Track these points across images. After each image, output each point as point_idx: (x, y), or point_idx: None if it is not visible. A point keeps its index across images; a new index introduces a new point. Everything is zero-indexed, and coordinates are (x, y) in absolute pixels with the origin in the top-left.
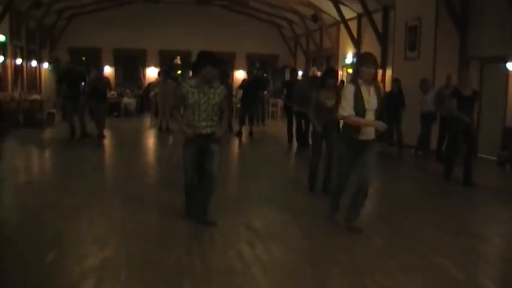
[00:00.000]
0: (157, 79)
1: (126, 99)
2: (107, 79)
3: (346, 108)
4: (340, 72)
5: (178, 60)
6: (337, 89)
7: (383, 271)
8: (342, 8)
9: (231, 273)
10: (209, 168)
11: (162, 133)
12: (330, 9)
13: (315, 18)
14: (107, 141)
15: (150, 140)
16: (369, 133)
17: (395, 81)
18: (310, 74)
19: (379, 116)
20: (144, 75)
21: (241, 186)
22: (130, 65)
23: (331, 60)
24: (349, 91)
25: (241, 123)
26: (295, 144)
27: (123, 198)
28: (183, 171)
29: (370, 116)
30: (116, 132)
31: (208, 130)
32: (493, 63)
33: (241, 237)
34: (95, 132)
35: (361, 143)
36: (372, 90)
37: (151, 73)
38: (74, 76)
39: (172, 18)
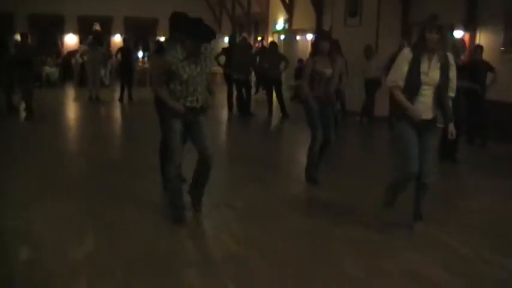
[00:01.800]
0: (83, 46)
1: (47, 68)
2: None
3: (392, 77)
4: (270, 39)
5: (97, 27)
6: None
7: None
8: None
9: (232, 259)
10: (204, 144)
11: (93, 104)
12: None
13: None
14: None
15: (84, 112)
16: (425, 111)
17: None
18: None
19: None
20: (62, 43)
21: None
22: (47, 32)
23: (260, 26)
24: (403, 57)
25: None
26: (236, 112)
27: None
28: (170, 152)
29: (427, 91)
30: (43, 105)
31: (200, 103)
32: None
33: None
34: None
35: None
36: (435, 61)
37: (70, 40)
38: None
39: None
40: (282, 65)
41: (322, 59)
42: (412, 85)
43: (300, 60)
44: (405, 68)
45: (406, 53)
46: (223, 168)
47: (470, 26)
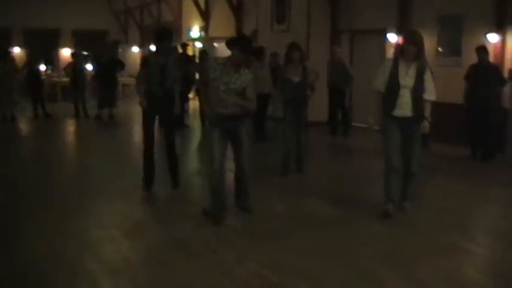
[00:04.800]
0: None
1: None
2: None
3: (375, 83)
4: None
5: None
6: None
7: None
8: None
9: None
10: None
11: (7, 124)
12: None
13: None
14: None
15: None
16: (404, 109)
17: (273, 55)
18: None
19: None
20: None
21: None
22: None
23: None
24: (385, 66)
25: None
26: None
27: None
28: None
29: (405, 93)
30: None
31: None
32: (367, 35)
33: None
34: None
35: (398, 119)
36: (413, 68)
37: None
38: None
39: None
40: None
41: (293, 67)
42: (393, 88)
43: None
44: (386, 75)
45: (387, 63)
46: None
47: (403, 31)
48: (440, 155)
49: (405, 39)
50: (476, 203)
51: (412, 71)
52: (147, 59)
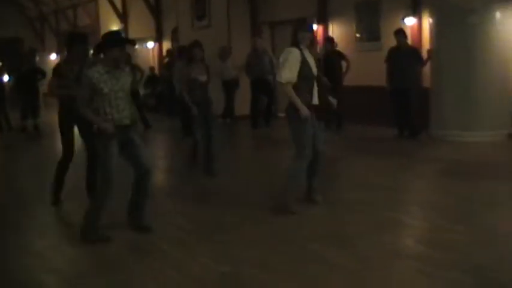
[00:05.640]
0: None
1: None
2: None
3: (287, 75)
4: None
5: None
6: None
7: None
8: None
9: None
10: (145, 158)
11: None
12: None
13: None
14: None
15: None
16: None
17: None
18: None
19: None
20: None
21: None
22: None
23: (90, 38)
24: (294, 56)
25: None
26: None
27: None
28: (101, 176)
29: (315, 81)
30: None
31: (128, 121)
32: (286, 26)
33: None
34: None
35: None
36: (310, 55)
37: None
38: None
39: None
40: (138, 75)
41: (197, 67)
42: (308, 79)
43: (152, 68)
44: (298, 66)
45: (296, 53)
46: None
47: (322, 19)
48: (367, 136)
49: (300, 27)
50: (406, 178)
51: (312, 59)
52: (57, 67)
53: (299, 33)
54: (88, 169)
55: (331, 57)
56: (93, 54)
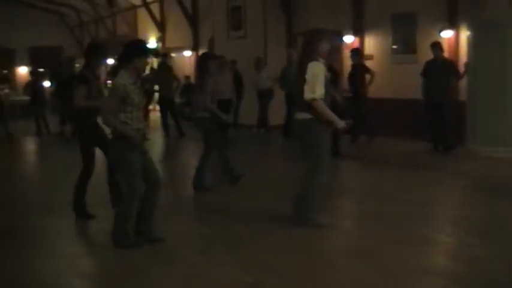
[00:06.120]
0: None
1: None
2: None
3: (319, 91)
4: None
5: None
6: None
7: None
8: None
9: None
10: (155, 170)
11: None
12: None
13: (111, 3)
14: None
15: None
16: None
17: (232, 62)
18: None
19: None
20: None
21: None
22: None
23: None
24: (321, 70)
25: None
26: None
27: None
28: (127, 184)
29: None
30: None
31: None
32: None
33: None
34: None
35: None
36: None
37: None
38: None
39: None
40: (174, 84)
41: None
42: (327, 92)
43: (187, 77)
44: (323, 80)
45: (321, 67)
46: None
47: (358, 31)
48: (401, 150)
49: (321, 38)
50: (437, 193)
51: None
52: (82, 76)
53: (320, 45)
54: (109, 180)
55: (355, 68)
56: (118, 64)
